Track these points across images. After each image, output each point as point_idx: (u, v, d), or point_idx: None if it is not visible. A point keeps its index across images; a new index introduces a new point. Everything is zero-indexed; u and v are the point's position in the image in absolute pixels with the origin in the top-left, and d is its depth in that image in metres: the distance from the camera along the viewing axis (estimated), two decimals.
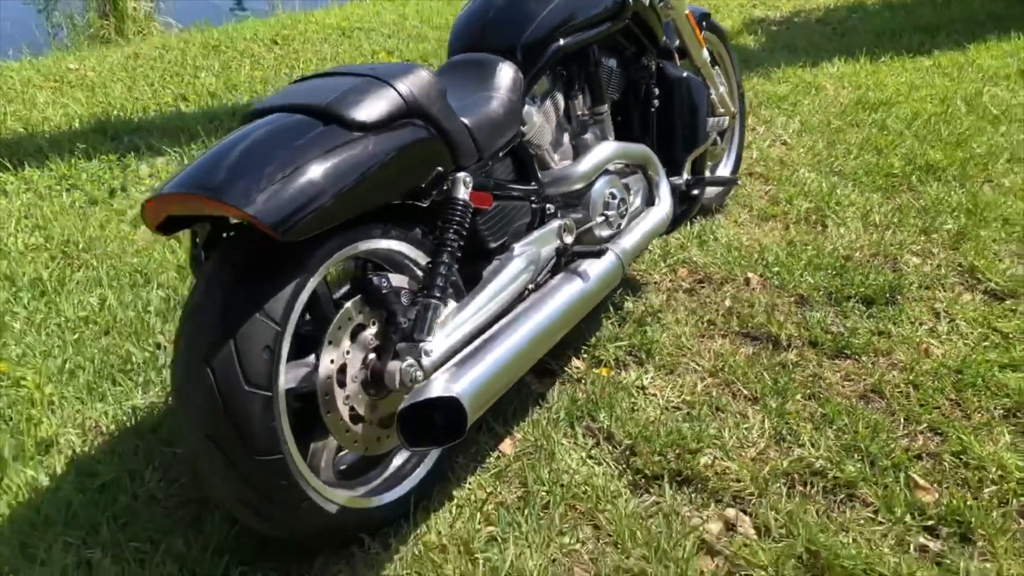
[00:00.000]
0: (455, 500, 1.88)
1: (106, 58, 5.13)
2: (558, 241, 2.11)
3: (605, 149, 2.24)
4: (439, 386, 1.62)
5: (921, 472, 1.93)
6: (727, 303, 2.58)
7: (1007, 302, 2.55)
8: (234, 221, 1.64)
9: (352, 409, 1.69)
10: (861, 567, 1.68)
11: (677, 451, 2.00)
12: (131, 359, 2.27)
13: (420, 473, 1.84)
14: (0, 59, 5.28)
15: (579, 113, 2.32)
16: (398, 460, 1.85)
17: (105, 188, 3.22)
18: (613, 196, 2.25)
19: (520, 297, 1.97)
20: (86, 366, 2.24)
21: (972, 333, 2.40)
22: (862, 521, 1.81)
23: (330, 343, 1.65)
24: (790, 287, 2.63)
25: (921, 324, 2.46)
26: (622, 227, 2.28)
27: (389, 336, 1.73)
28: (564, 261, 2.10)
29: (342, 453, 1.83)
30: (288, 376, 1.58)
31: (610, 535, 1.79)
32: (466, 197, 1.78)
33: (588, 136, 2.33)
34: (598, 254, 2.06)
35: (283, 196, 1.49)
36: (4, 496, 1.85)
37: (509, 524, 1.80)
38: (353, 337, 1.69)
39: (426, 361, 1.68)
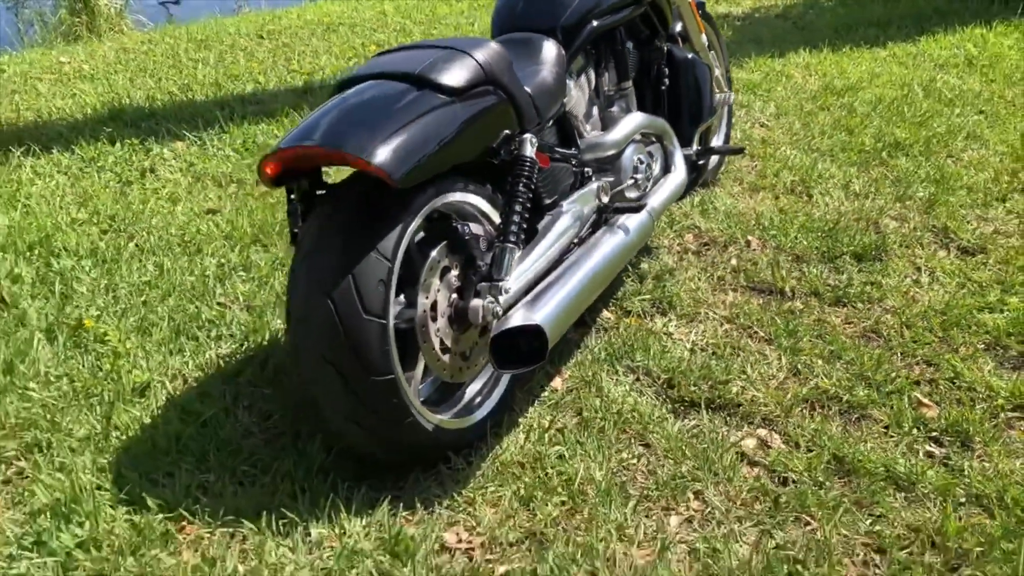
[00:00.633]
0: (521, 426, 2.11)
1: (95, 53, 5.24)
2: (596, 200, 2.36)
3: (634, 119, 2.50)
4: (523, 316, 1.86)
5: (922, 394, 2.22)
6: (733, 262, 2.85)
7: (978, 256, 2.88)
8: (321, 174, 1.86)
9: (441, 341, 1.92)
10: (880, 468, 1.96)
11: (709, 383, 2.26)
12: (200, 316, 2.45)
13: (491, 402, 2.07)
14: None
15: (606, 88, 2.58)
16: (472, 390, 2.07)
17: (135, 169, 3.37)
18: (641, 162, 2.51)
19: (569, 246, 2.22)
20: (159, 323, 2.42)
21: (951, 282, 2.72)
22: (876, 435, 2.09)
23: (424, 283, 1.87)
24: (787, 247, 2.92)
25: (906, 276, 2.76)
26: (647, 190, 2.54)
27: (469, 278, 1.96)
28: (604, 218, 2.35)
29: (421, 385, 2.05)
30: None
31: (662, 451, 2.04)
32: (533, 155, 2.02)
33: (614, 109, 2.58)
34: (637, 209, 2.32)
35: (395, 149, 1.72)
36: (114, 433, 2.03)
37: (574, 443, 2.04)
38: (440, 278, 1.92)
39: (503, 298, 1.91)
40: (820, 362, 2.36)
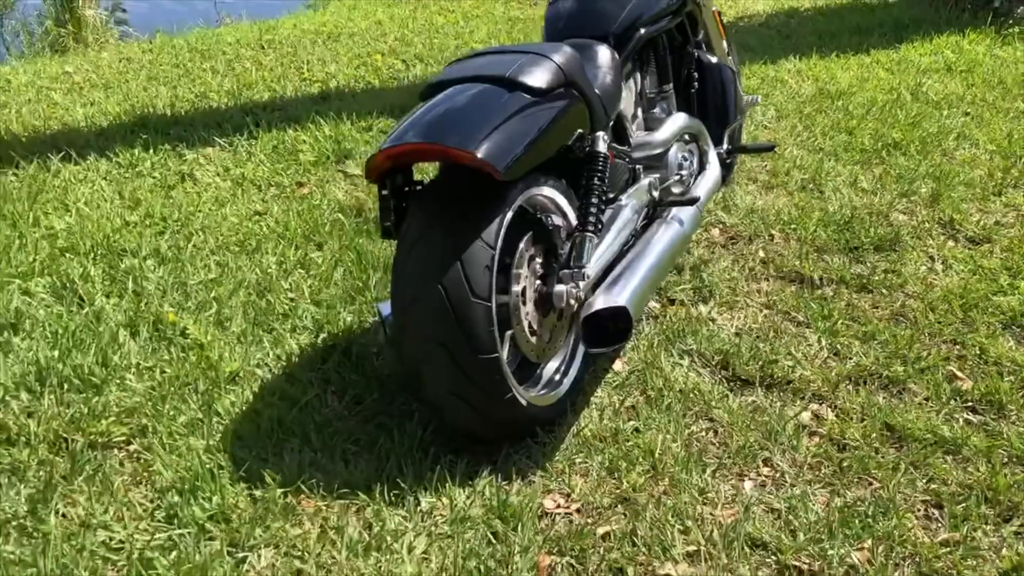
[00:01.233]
0: (593, 405, 2.27)
1: (99, 62, 5.30)
2: (648, 195, 2.53)
3: (678, 120, 2.67)
4: (609, 299, 2.02)
5: (955, 368, 2.42)
6: (760, 254, 3.04)
7: (984, 246, 3.10)
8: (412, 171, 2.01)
9: (529, 324, 2.07)
10: (928, 435, 2.15)
11: (760, 363, 2.44)
12: (274, 309, 2.57)
13: (568, 380, 2.22)
14: None
15: (648, 91, 2.75)
16: (550, 369, 2.22)
17: (174, 174, 3.47)
18: (685, 159, 2.69)
19: (629, 237, 2.39)
20: (234, 317, 2.53)
21: (963, 269, 2.93)
22: (917, 405, 2.28)
23: (516, 271, 2.02)
24: (808, 240, 3.11)
25: (921, 264, 2.97)
26: (690, 186, 2.72)
27: (551, 265, 2.12)
28: (658, 211, 2.52)
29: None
30: None
31: (728, 424, 2.21)
32: (606, 151, 2.18)
33: (656, 110, 2.76)
34: (691, 202, 2.49)
35: (498, 144, 1.87)
36: (215, 418, 2.14)
37: (646, 419, 2.20)
38: (527, 266, 2.07)
39: (584, 284, 2.07)
40: (856, 343, 2.55)
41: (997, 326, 2.62)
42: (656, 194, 2.55)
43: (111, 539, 1.80)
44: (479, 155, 1.84)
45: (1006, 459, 2.08)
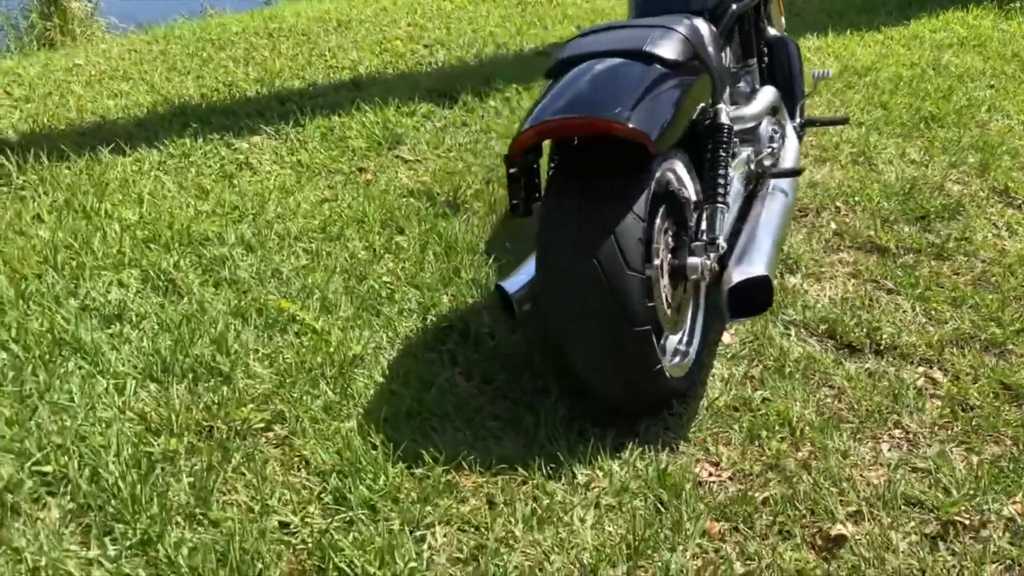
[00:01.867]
0: (716, 375, 2.30)
1: (108, 54, 5.18)
2: (746, 168, 2.56)
3: (768, 93, 2.71)
4: (750, 269, 2.05)
5: None
6: (832, 225, 3.09)
7: None
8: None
9: (666, 297, 2.09)
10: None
11: (864, 330, 2.49)
12: (379, 293, 2.56)
13: (692, 352, 2.24)
14: None
15: (734, 66, 2.78)
16: (674, 341, 2.24)
17: (230, 163, 3.42)
18: (774, 132, 2.72)
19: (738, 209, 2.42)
20: (338, 302, 2.51)
21: None
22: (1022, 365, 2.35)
23: (656, 244, 2.04)
24: (875, 211, 3.17)
25: (988, 232, 3.05)
26: (778, 158, 2.76)
27: (681, 237, 2.14)
28: (760, 183, 2.56)
29: None
30: None
31: (850, 390, 2.25)
32: (729, 122, 2.21)
33: (741, 85, 2.79)
34: (796, 174, 2.53)
35: (648, 116, 1.89)
36: (353, 401, 2.13)
37: (772, 387, 2.24)
38: (662, 239, 2.09)
39: (715, 255, 2.10)
40: (948, 308, 2.61)
41: None
42: (753, 166, 2.59)
43: (285, 523, 1.78)
44: (633, 126, 1.85)
45: None
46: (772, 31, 3.07)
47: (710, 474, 1.99)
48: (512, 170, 2.06)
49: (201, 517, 1.79)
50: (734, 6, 2.60)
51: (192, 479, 1.87)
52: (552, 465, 1.95)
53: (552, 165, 2.06)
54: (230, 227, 2.88)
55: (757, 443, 2.07)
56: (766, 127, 2.70)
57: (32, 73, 4.80)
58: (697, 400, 2.20)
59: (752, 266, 2.07)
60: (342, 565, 1.67)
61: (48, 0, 7.33)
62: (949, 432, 2.12)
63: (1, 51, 6.84)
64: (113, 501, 1.79)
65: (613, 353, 1.93)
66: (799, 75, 3.07)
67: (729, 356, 2.39)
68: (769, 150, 2.70)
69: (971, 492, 1.91)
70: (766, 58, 3.02)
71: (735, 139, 2.60)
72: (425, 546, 1.75)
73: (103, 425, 1.99)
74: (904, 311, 2.60)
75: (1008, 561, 1.75)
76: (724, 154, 2.18)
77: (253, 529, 1.74)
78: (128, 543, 1.70)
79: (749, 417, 2.14)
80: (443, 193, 3.21)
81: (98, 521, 1.76)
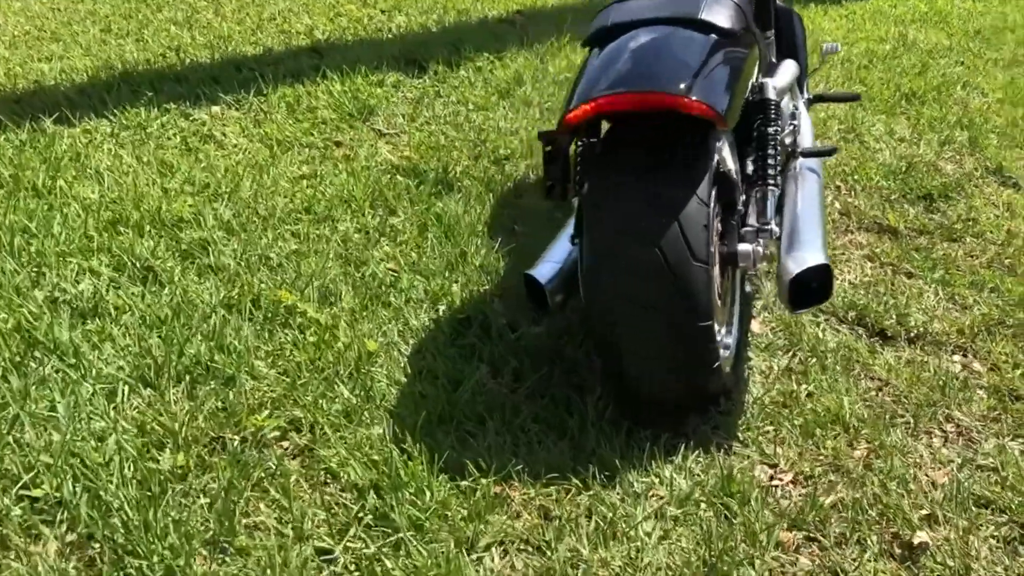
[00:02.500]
0: (755, 368, 2.17)
1: (28, 11, 4.75)
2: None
3: (790, 67, 2.57)
4: (809, 257, 1.90)
5: None
6: (836, 205, 3.00)
7: None
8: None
9: (718, 287, 1.94)
10: None
11: (894, 316, 2.39)
12: (384, 282, 2.35)
13: (733, 344, 2.10)
14: None
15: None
16: (722, 333, 2.09)
17: (191, 135, 3.13)
18: (795, 108, 2.59)
19: None
20: (339, 292, 2.29)
21: None
22: None
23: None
24: (874, 191, 3.09)
25: (990, 212, 3.00)
26: (796, 136, 2.63)
27: (729, 222, 1.99)
28: (790, 163, 2.42)
29: None
30: None
31: (894, 381, 2.15)
32: (776, 97, 2.06)
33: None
34: (830, 152, 2.40)
35: (714, 90, 1.73)
36: (375, 404, 1.93)
37: (815, 381, 2.12)
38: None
39: (766, 241, 1.96)
40: (970, 292, 2.54)
41: None
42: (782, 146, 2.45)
43: (324, 550, 1.58)
44: (702, 101, 1.68)
45: None
46: (779, 1, 2.93)
47: (771, 477, 1.86)
48: (547, 148, 1.88)
49: (226, 545, 1.57)
50: None
51: (209, 500, 1.64)
52: (606, 473, 1.79)
53: (600, 143, 1.87)
54: (206, 207, 2.61)
55: (812, 441, 1.95)
56: (787, 103, 2.57)
57: None
58: (742, 395, 2.07)
59: (810, 253, 1.93)
60: None
61: None
62: (1001, 425, 2.03)
63: None
64: (122, 530, 1.55)
65: (675, 349, 1.77)
66: (804, 48, 2.94)
67: (763, 347, 2.26)
68: (791, 127, 2.57)
69: None
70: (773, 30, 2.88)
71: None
72: (484, 570, 1.57)
73: (96, 439, 1.74)
74: (927, 296, 2.52)
75: None
76: (773, 131, 2.04)
77: (291, 558, 1.53)
78: None
79: (798, 414, 2.01)
80: (431, 170, 2.99)
81: (106, 555, 1.53)
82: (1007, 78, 4.19)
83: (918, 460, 1.92)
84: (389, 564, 1.54)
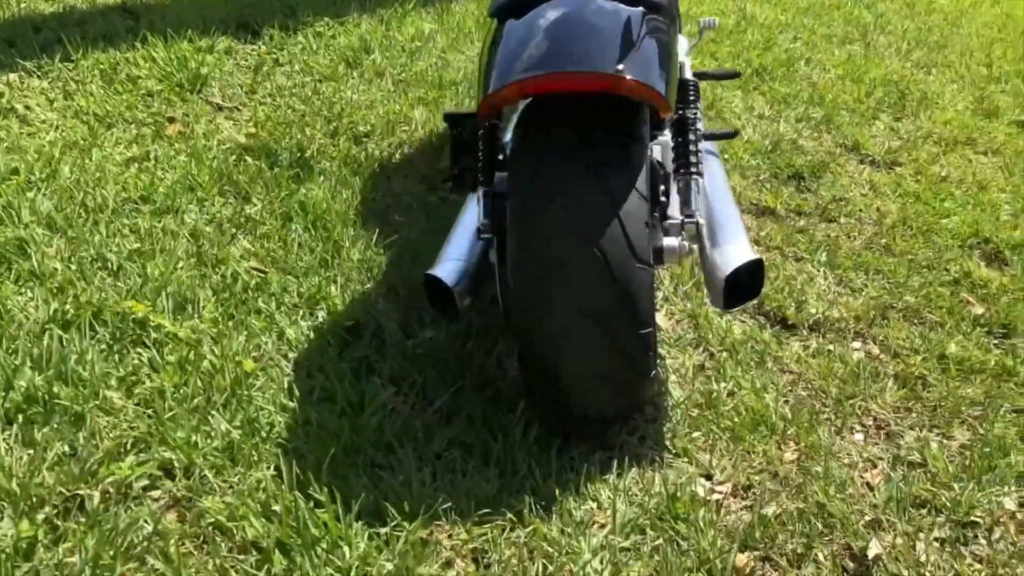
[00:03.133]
0: (669, 367, 2.03)
1: None
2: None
3: (684, 43, 2.42)
4: (739, 253, 1.76)
5: (957, 293, 2.47)
6: None
7: (897, 170, 3.21)
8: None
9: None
10: (968, 359, 2.16)
11: (793, 304, 2.32)
12: (245, 284, 2.02)
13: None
14: None
15: None
16: None
17: None
18: (693, 87, 2.45)
19: None
20: (195, 298, 1.95)
21: (894, 195, 3.01)
22: (947, 334, 2.28)
23: None
24: (747, 170, 3.03)
25: (856, 191, 3.01)
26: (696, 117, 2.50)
27: (653, 215, 1.81)
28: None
29: None
30: None
31: (807, 374, 2.07)
32: (692, 78, 1.90)
33: None
34: (733, 135, 2.27)
35: (657, 73, 1.55)
36: (262, 437, 1.63)
37: (729, 379, 2.00)
38: None
39: (689, 232, 1.80)
40: (857, 275, 2.51)
41: (961, 248, 2.70)
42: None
43: None
44: (646, 83, 1.49)
45: None
46: None
47: (711, 490, 1.72)
48: (455, 132, 1.64)
49: None
50: None
51: None
52: (542, 502, 1.59)
53: (523, 128, 1.64)
54: (18, 198, 2.17)
55: (742, 447, 1.83)
56: (686, 81, 2.42)
57: None
58: (663, 399, 1.92)
59: (738, 247, 1.79)
60: None
61: None
62: (916, 416, 1.99)
63: None
64: None
65: (614, 359, 1.58)
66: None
67: (672, 343, 2.12)
68: (693, 109, 2.43)
69: (970, 487, 1.78)
70: None
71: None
72: None
73: None
74: (818, 281, 2.47)
75: None
76: (693, 115, 1.88)
77: None
78: None
79: (721, 417, 1.89)
80: (284, 149, 2.65)
81: None
82: (844, 55, 4.28)
83: (848, 461, 1.84)
84: None
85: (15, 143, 2.45)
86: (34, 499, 1.41)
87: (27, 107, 2.69)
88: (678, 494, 1.65)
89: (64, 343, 1.72)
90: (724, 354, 2.09)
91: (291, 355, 1.86)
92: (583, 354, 1.58)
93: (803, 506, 1.69)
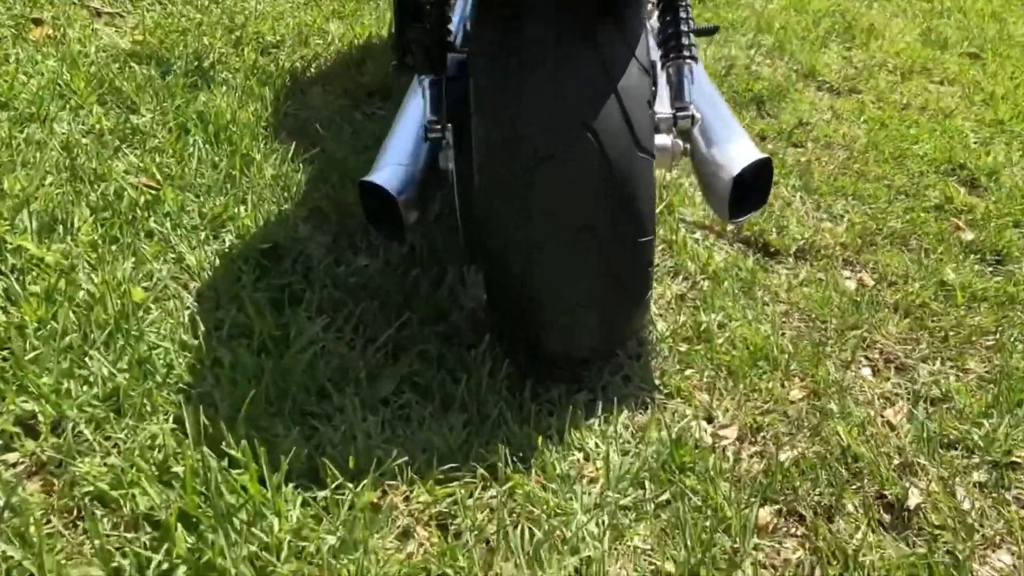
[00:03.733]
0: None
1: None
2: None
3: None
4: (742, 152, 1.47)
5: (951, 216, 2.25)
6: None
7: (856, 96, 2.99)
8: None
9: None
10: (969, 286, 1.93)
11: (774, 229, 2.05)
12: (133, 202, 1.63)
13: None
14: None
15: None
16: None
17: None
18: None
19: None
20: (69, 217, 1.55)
21: (858, 121, 2.78)
22: (939, 259, 2.05)
23: None
24: None
25: (819, 116, 2.77)
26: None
27: (652, 90, 1.50)
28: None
29: None
30: None
31: (804, 304, 1.81)
32: None
33: None
34: (713, 31, 1.97)
35: None
36: (157, 383, 1.26)
37: (719, 310, 1.72)
38: None
39: (683, 128, 1.50)
40: (838, 201, 2.27)
41: (934, 175, 2.49)
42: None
43: None
44: None
45: None
46: None
47: (714, 433, 1.43)
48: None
49: None
50: None
51: None
52: (518, 453, 1.27)
53: None
54: None
55: (744, 385, 1.54)
56: None
57: None
58: (646, 332, 1.62)
59: (741, 146, 1.49)
60: None
61: None
62: (925, 349, 1.75)
63: None
64: None
65: (610, 276, 1.27)
66: None
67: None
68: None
69: (1004, 423, 1.54)
70: None
71: None
72: None
73: None
74: (796, 206, 2.21)
75: None
76: None
77: None
78: None
79: (715, 353, 1.60)
80: (177, 58, 2.24)
81: None
82: None
83: (862, 398, 1.58)
84: None
85: None
86: None
87: None
88: (681, 440, 1.35)
89: None
90: (707, 283, 1.81)
91: (192, 284, 1.49)
92: (570, 270, 1.26)
93: (823, 450, 1.42)
